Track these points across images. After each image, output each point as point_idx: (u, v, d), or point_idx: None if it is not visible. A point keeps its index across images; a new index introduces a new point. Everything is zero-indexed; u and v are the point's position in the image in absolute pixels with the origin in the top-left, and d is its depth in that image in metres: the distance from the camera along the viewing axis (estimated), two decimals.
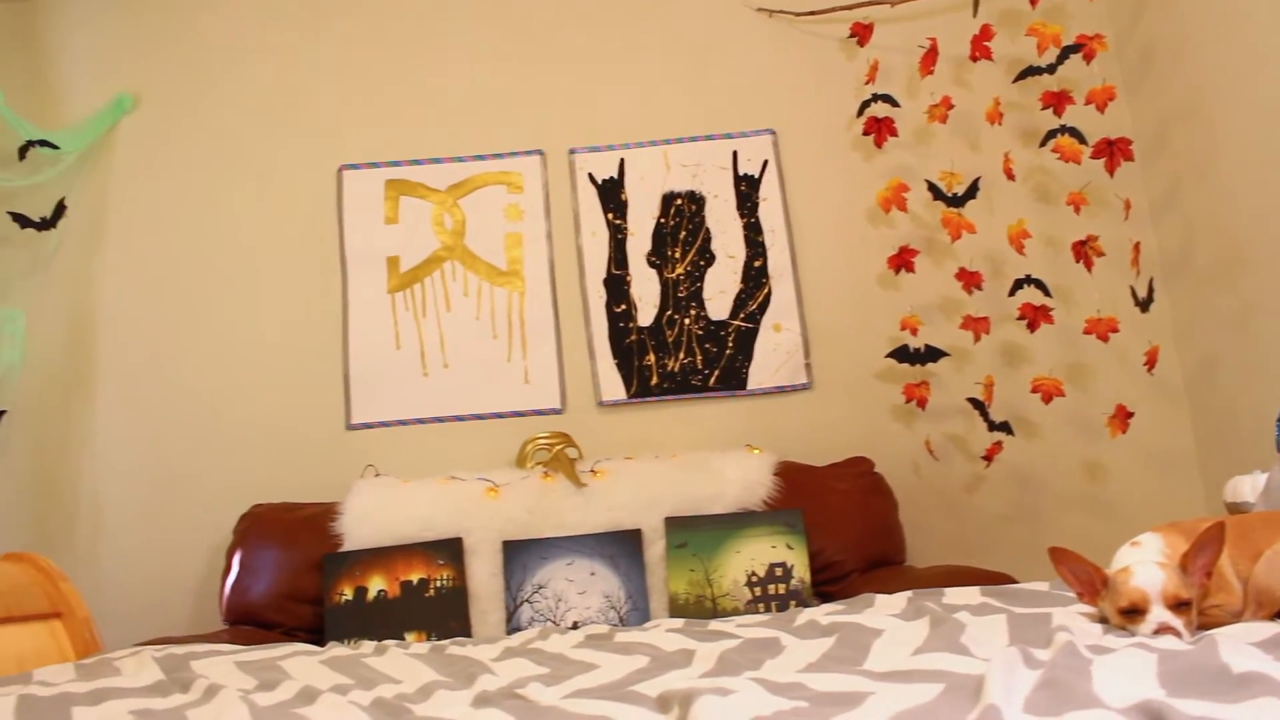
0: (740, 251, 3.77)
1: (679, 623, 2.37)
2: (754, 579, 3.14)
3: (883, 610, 2.01)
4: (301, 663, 1.97)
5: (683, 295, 3.74)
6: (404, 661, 1.97)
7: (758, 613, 2.94)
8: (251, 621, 3.24)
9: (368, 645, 2.24)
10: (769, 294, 3.74)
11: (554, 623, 3.11)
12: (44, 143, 3.78)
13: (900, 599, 2.16)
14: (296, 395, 3.72)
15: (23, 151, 3.78)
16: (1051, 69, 3.51)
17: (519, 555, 3.20)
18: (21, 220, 3.79)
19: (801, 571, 3.13)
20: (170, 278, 3.84)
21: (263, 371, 3.75)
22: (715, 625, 2.23)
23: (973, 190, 3.60)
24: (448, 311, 3.74)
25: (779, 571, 3.17)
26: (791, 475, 3.37)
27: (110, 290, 3.85)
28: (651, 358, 3.70)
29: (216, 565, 3.56)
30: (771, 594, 3.13)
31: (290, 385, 3.73)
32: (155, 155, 3.94)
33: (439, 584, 3.16)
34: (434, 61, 3.95)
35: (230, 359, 3.77)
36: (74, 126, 3.91)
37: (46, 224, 3.83)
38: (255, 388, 3.74)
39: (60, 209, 3.85)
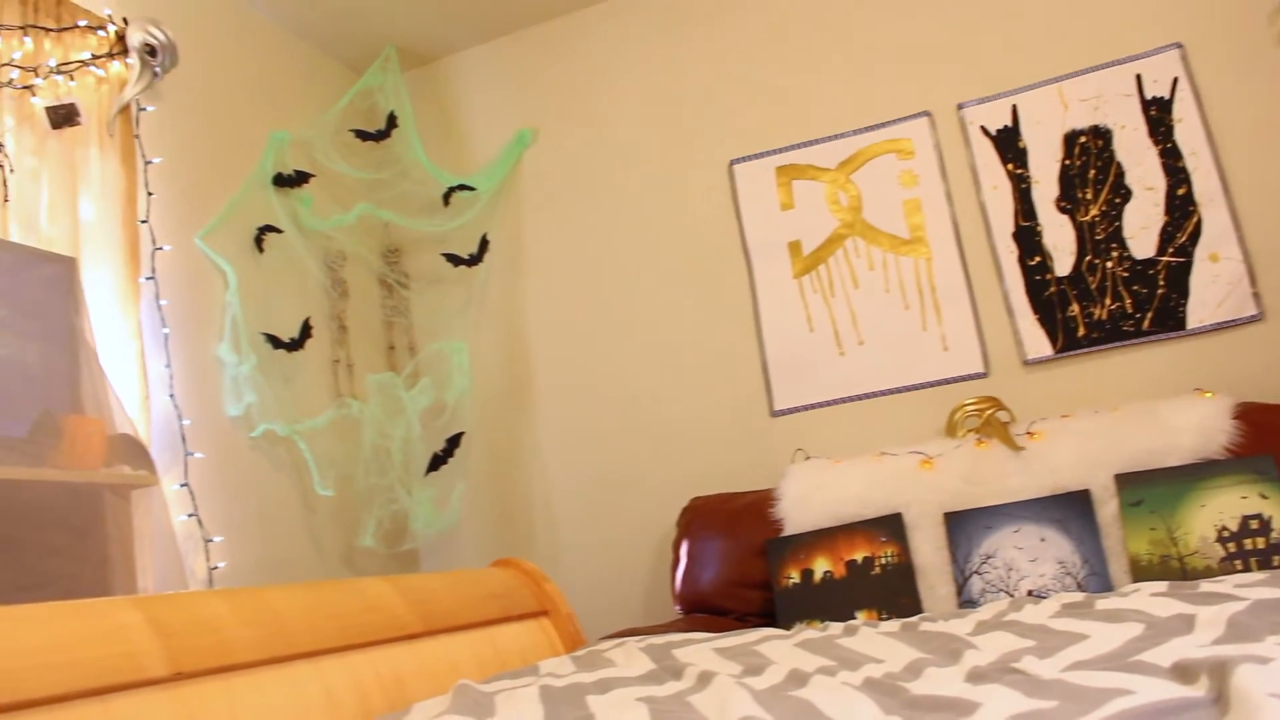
0: (1159, 182, 3.47)
1: (1162, 586, 2.20)
2: (1225, 534, 2.87)
3: None
4: (776, 646, 2.01)
5: (1101, 237, 3.49)
6: (878, 640, 1.96)
7: (1236, 571, 2.68)
8: (704, 609, 3.37)
9: (835, 626, 2.26)
10: (1199, 223, 3.41)
11: (1008, 593, 3.00)
12: (462, 186, 4.16)
13: None
14: (719, 389, 3.84)
15: (446, 198, 4.17)
16: None
17: (962, 526, 3.11)
18: (453, 259, 4.19)
19: None
20: (587, 292, 4.09)
21: (684, 370, 3.90)
22: (1208, 586, 2.05)
23: None
24: (855, 288, 3.72)
25: (1254, 524, 2.87)
26: (1255, 417, 3.04)
27: (536, 312, 4.16)
28: (1075, 308, 3.49)
29: (662, 558, 3.74)
30: (1249, 549, 2.84)
31: (711, 380, 3.86)
32: (558, 180, 4.21)
33: (884, 561, 3.13)
34: (805, 43, 3.94)
35: (652, 362, 3.95)
36: (485, 168, 4.26)
37: (474, 260, 4.19)
38: (679, 387, 3.90)
39: (484, 244, 4.20)
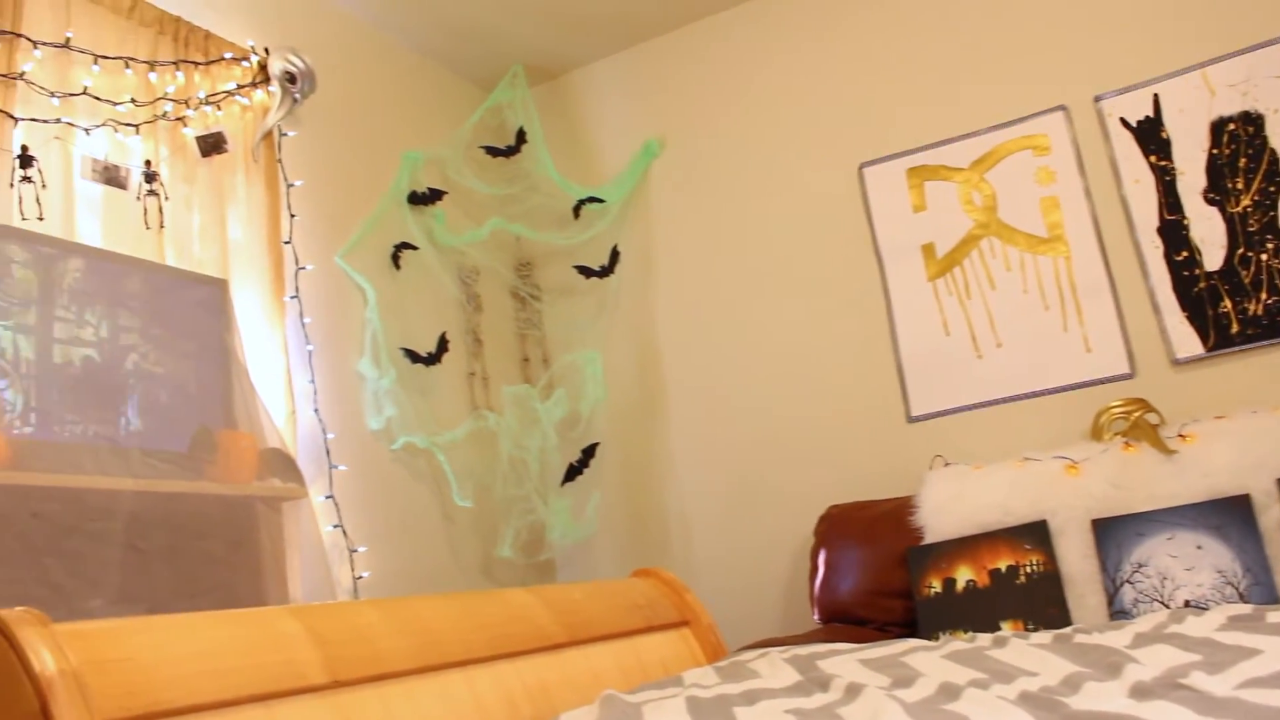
0: None
1: None
2: None
3: None
4: (924, 657, 1.97)
5: (1254, 229, 3.34)
6: (1030, 652, 1.90)
7: None
8: (843, 619, 3.33)
9: (984, 637, 2.21)
10: None
11: (1163, 603, 2.88)
12: (592, 199, 4.19)
13: None
14: (853, 395, 3.79)
15: (576, 211, 4.22)
16: None
17: (1111, 533, 3.00)
18: (585, 271, 4.23)
19: None
20: (717, 301, 4.09)
21: (817, 377, 3.86)
22: None
23: None
24: (992, 290, 3.63)
25: None
26: None
27: (668, 321, 4.17)
28: (1227, 304, 3.34)
29: (799, 567, 3.70)
30: None
31: (846, 386, 3.81)
32: (686, 189, 4.22)
33: (1029, 569, 3.05)
34: (933, 41, 3.86)
35: (785, 369, 3.92)
36: (614, 179, 4.30)
37: (606, 271, 4.23)
38: (813, 393, 3.86)
39: (615, 256, 4.24)
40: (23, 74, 2.57)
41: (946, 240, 3.73)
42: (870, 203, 3.86)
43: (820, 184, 3.97)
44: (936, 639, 2.66)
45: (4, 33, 2.56)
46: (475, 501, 3.76)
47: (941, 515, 3.23)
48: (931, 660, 1.93)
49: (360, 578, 3.23)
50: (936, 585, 3.12)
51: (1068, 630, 2.10)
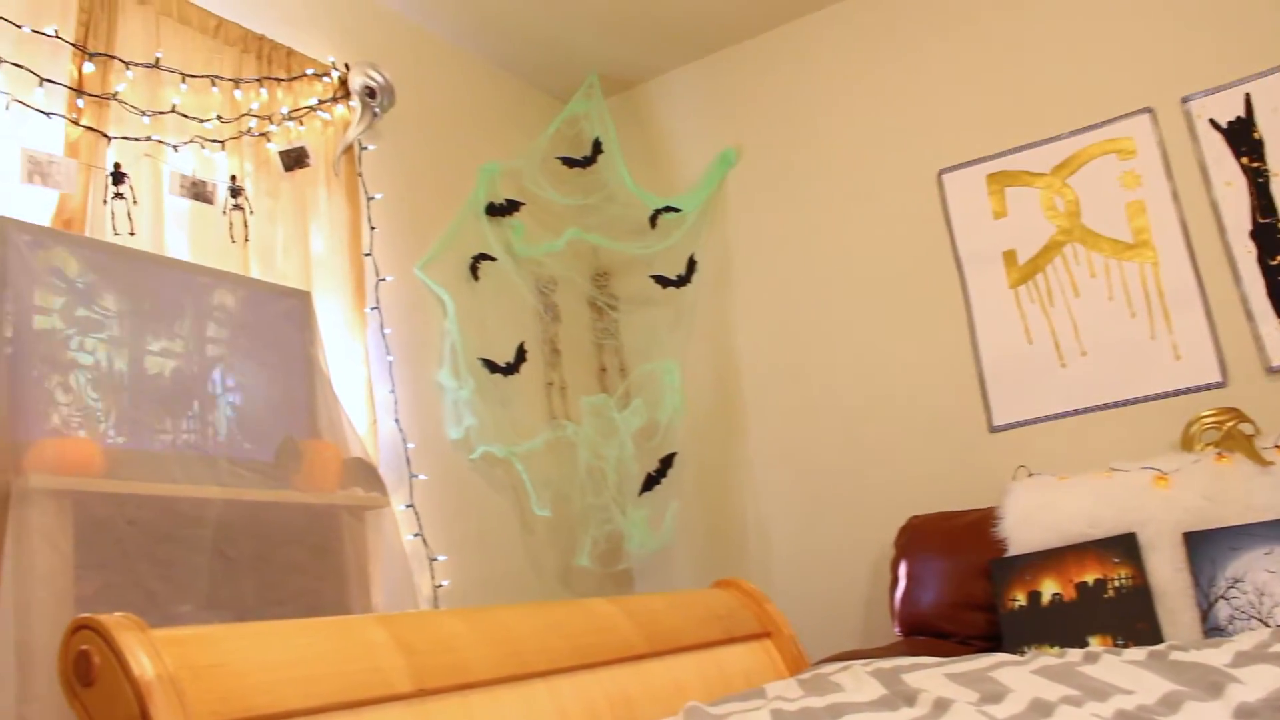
0: None
1: None
2: None
3: None
4: (1012, 673, 1.93)
5: None
6: (1123, 669, 1.85)
7: None
8: (925, 632, 3.28)
9: (1073, 653, 2.15)
10: None
11: (1261, 620, 2.79)
12: (669, 209, 4.20)
13: None
14: (933, 405, 3.74)
15: (653, 220, 4.22)
16: None
17: (1204, 547, 2.92)
18: (662, 281, 4.23)
19: None
20: (795, 310, 4.06)
21: (897, 386, 3.82)
22: None
23: None
24: (1076, 297, 3.56)
25: None
26: None
27: (745, 330, 4.16)
28: None
29: (878, 579, 3.66)
30: None
31: (926, 396, 3.76)
32: (763, 198, 4.20)
33: (1117, 583, 2.97)
34: (1013, 45, 3.80)
35: (864, 379, 3.88)
36: (690, 189, 4.29)
37: (683, 281, 4.23)
38: (892, 403, 3.82)
39: (691, 265, 4.23)
40: (115, 94, 2.64)
41: (1028, 247, 3.66)
42: (950, 209, 3.81)
43: (898, 191, 3.92)
44: (1022, 653, 2.61)
45: (99, 55, 2.63)
46: (553, 511, 3.77)
47: (1026, 527, 3.17)
48: (1021, 675, 1.88)
49: (440, 586, 3.26)
50: (1021, 598, 3.06)
51: (1162, 647, 2.04)
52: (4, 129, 2.40)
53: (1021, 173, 3.71)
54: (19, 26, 2.46)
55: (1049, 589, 3.03)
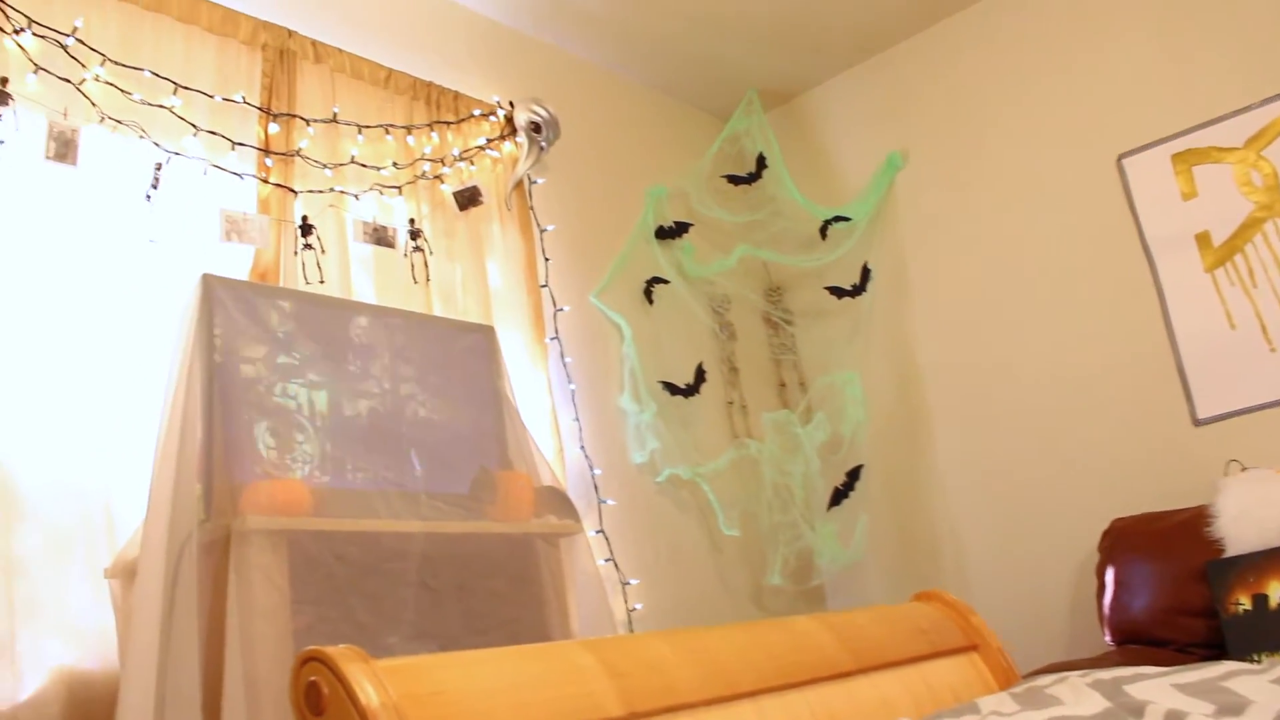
0: None
1: None
2: None
3: None
4: (1250, 683, 1.80)
5: None
6: None
7: None
8: (1139, 639, 3.13)
9: None
10: None
11: None
12: (838, 218, 4.15)
13: None
14: (1129, 400, 3.57)
15: (823, 231, 4.19)
16: None
17: None
18: (837, 292, 4.18)
19: None
20: (975, 312, 3.95)
21: (1088, 384, 3.66)
22: None
23: None
24: None
25: None
26: None
27: (925, 336, 4.06)
28: None
29: (1082, 586, 3.51)
30: None
31: (1121, 392, 3.59)
32: (934, 199, 4.11)
33: None
34: (1192, 15, 3.60)
35: (1052, 377, 3.75)
36: (858, 196, 4.24)
37: (858, 290, 4.17)
38: (1084, 401, 3.66)
39: (865, 273, 4.17)
40: (299, 150, 2.77)
41: (1224, 227, 3.46)
42: (1133, 195, 3.64)
43: (1076, 181, 3.78)
44: (1255, 661, 2.45)
45: (282, 114, 2.77)
46: (742, 530, 3.76)
47: (1243, 524, 2.98)
48: (1260, 685, 1.76)
49: (634, 610, 3.28)
50: (1245, 602, 2.88)
51: None
52: (203, 192, 2.55)
53: (1210, 149, 3.52)
54: (211, 96, 2.61)
55: (1276, 591, 2.85)
